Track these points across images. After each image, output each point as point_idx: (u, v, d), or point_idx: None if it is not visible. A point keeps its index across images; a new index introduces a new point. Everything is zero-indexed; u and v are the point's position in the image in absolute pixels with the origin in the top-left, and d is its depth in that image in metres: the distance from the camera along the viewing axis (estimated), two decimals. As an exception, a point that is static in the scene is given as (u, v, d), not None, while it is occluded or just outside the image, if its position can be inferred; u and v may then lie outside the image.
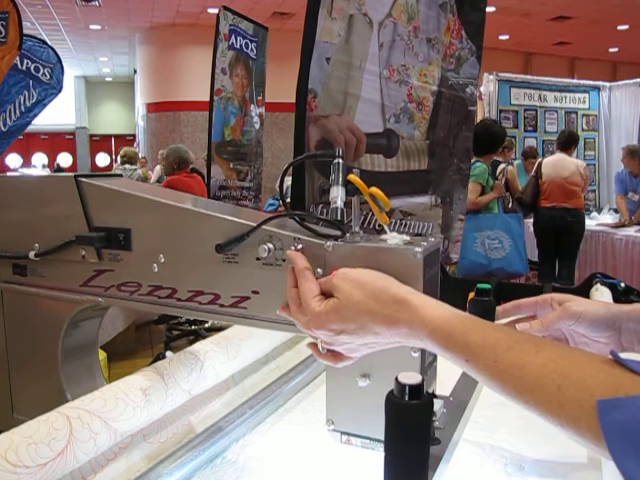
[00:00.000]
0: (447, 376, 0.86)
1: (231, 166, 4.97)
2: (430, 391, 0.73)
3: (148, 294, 0.89)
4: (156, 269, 0.87)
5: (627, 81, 7.58)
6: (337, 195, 0.71)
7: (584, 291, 1.74)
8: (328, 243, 0.69)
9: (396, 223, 2.24)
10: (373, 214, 0.71)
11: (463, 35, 2.41)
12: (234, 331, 1.13)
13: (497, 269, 4.12)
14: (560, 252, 5.07)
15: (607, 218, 6.12)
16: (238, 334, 1.11)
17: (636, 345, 0.82)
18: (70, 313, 0.99)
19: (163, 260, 0.86)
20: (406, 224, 2.29)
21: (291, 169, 0.89)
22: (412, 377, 0.51)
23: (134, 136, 14.95)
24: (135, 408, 0.85)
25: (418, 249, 0.65)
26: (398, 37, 2.22)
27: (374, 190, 0.69)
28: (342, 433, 0.73)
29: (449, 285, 0.95)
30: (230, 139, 4.95)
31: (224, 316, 0.81)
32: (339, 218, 0.70)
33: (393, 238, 0.69)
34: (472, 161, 4.28)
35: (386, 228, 0.72)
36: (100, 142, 17.89)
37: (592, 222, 5.81)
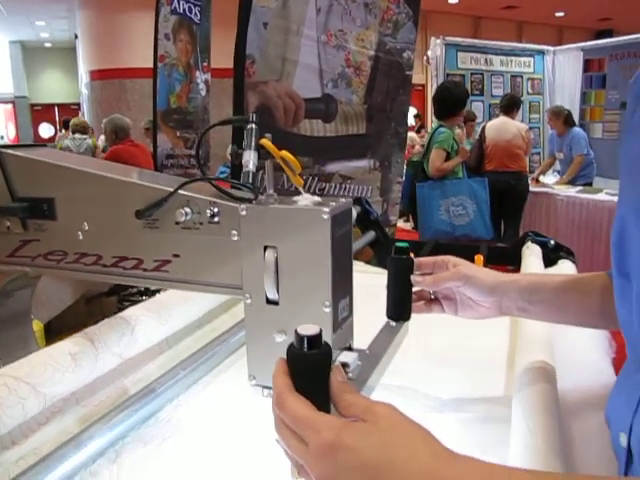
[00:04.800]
0: (372, 333, 0.90)
1: (178, 134, 4.90)
2: (348, 345, 0.77)
3: (74, 262, 0.89)
4: (81, 237, 0.88)
5: (570, 45, 7.74)
6: (249, 159, 0.73)
7: (517, 249, 1.82)
8: (242, 206, 0.72)
9: (336, 187, 2.28)
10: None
11: (400, 0, 2.43)
12: (166, 295, 1.15)
13: (462, 235, 4.16)
14: (505, 214, 5.20)
15: (551, 179, 6.31)
16: (170, 298, 1.13)
17: (514, 311, 0.90)
18: (-2, 284, 0.99)
19: (87, 228, 0.87)
20: (346, 188, 2.33)
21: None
22: (310, 329, 0.54)
23: (79, 105, 14.42)
24: (64, 373, 0.87)
25: (326, 209, 0.68)
26: (335, 2, 2.22)
27: (284, 153, 0.71)
28: (263, 387, 0.76)
29: (390, 247, 0.99)
30: (176, 107, 4.86)
31: (148, 280, 0.83)
32: (251, 181, 0.72)
33: (304, 199, 0.72)
34: (434, 126, 4.27)
35: (301, 190, 0.74)
36: (42, 112, 17.12)
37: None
